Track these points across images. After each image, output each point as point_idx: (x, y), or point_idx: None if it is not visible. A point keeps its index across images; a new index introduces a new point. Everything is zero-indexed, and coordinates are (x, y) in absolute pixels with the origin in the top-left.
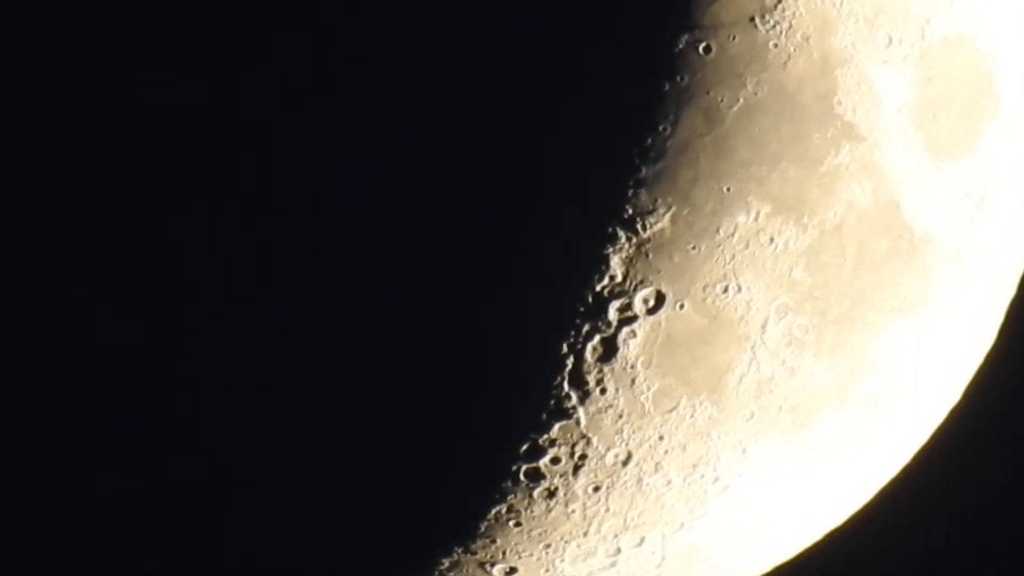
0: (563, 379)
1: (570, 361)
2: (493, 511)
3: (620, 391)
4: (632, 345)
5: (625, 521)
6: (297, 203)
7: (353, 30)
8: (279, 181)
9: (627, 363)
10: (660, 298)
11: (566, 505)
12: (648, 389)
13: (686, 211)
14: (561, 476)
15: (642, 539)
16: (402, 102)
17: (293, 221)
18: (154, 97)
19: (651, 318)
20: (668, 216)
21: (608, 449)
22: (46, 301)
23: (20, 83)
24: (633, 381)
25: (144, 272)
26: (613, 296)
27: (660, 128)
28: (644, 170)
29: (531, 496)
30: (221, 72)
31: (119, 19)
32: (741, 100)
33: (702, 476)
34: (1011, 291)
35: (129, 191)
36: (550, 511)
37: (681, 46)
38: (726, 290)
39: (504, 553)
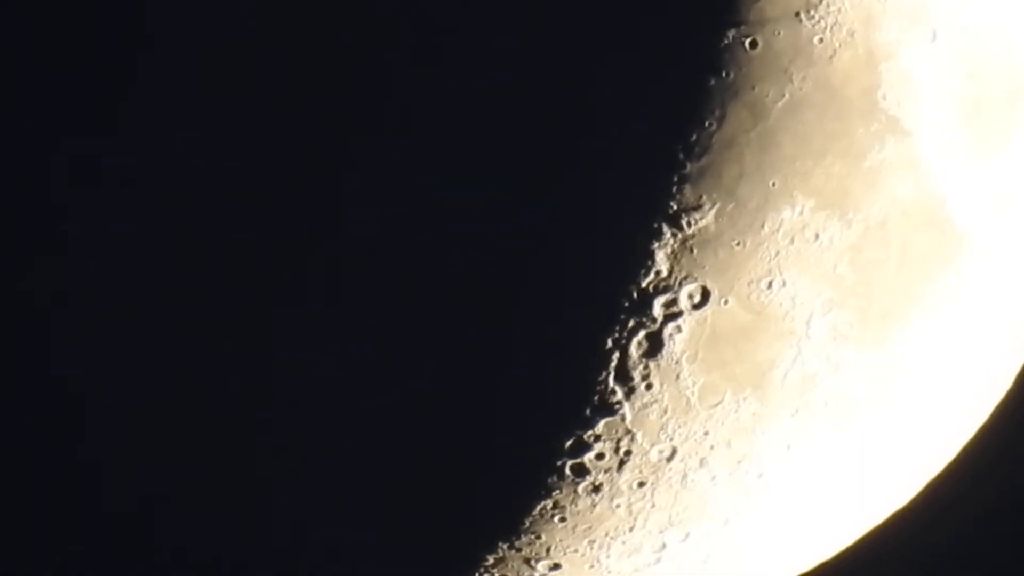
0: (608, 375)
1: (615, 357)
2: (538, 507)
3: (665, 386)
4: (677, 340)
5: (670, 517)
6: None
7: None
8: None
9: (672, 359)
10: (705, 294)
11: (611, 501)
12: (693, 384)
13: (731, 206)
14: (606, 472)
15: (687, 535)
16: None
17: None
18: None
19: (696, 313)
20: (713, 212)
21: (653, 445)
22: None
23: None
24: (678, 376)
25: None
26: (658, 292)
27: (705, 123)
28: (689, 166)
29: (576, 492)
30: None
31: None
32: (786, 95)
33: (747, 472)
34: None
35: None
36: (595, 507)
37: (727, 41)
38: (771, 286)
39: (549, 549)
